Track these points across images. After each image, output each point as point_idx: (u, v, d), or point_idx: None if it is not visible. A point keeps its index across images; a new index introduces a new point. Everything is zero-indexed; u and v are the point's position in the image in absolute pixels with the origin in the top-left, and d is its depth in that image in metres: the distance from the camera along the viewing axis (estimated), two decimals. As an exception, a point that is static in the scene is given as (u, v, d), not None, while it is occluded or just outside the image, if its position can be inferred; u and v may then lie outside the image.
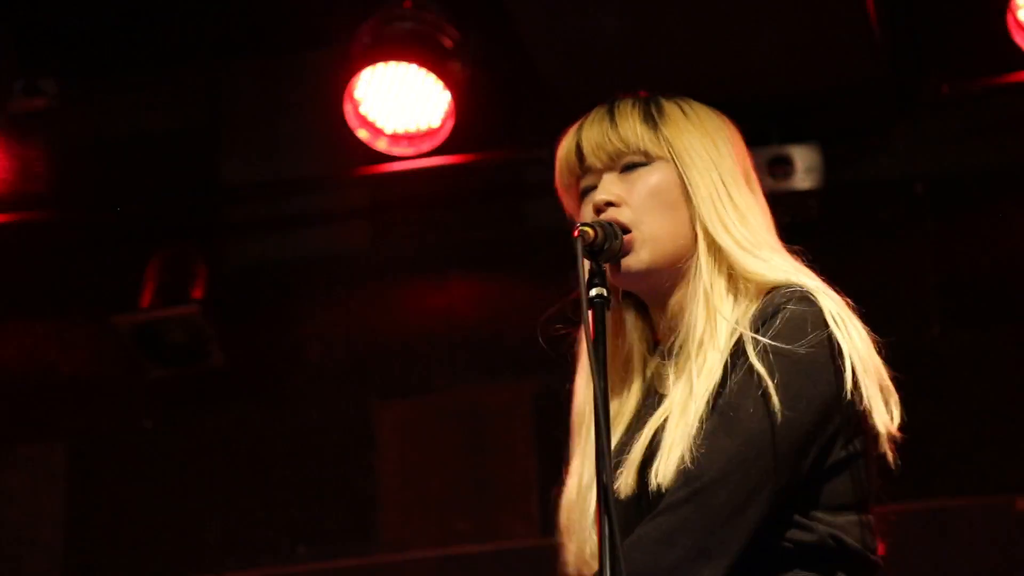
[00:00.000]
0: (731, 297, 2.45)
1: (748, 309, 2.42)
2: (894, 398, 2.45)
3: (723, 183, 2.52)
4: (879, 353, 2.45)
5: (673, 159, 2.52)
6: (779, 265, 2.47)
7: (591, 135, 2.55)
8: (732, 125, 2.62)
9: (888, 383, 2.44)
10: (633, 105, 2.57)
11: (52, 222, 5.55)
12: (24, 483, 5.46)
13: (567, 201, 2.62)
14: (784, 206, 4.99)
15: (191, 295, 5.31)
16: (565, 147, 2.58)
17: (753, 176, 2.59)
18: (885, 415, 2.41)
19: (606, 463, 2.14)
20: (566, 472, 2.56)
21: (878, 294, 4.90)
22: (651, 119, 2.55)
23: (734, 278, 2.46)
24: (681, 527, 2.30)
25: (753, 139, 4.94)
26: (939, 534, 4.83)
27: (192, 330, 5.33)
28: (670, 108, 2.57)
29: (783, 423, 2.33)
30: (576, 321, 2.55)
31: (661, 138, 2.53)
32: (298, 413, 5.38)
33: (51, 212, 5.54)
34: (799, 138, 5.08)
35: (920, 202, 5.18)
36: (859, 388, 2.38)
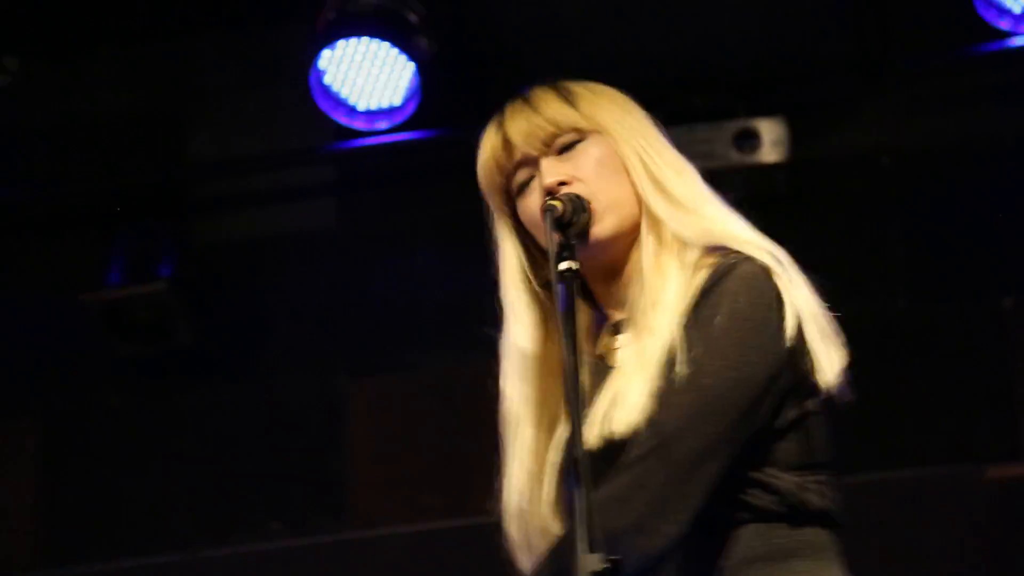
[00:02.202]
0: (677, 258, 2.47)
1: (696, 269, 2.46)
2: (838, 349, 2.46)
3: (650, 147, 2.56)
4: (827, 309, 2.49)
5: (602, 132, 2.55)
6: (719, 218, 2.51)
7: (517, 126, 2.56)
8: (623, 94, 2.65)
9: (833, 335, 2.46)
10: (546, 90, 2.59)
11: (17, 200, 5.54)
12: (-7, 463, 5.47)
13: (496, 202, 2.62)
14: (750, 180, 5.08)
15: (158, 273, 5.31)
16: (490, 145, 2.59)
17: (665, 138, 2.62)
18: (828, 365, 2.43)
19: (579, 437, 2.15)
20: (502, 478, 2.60)
21: (845, 267, 4.98)
22: (568, 100, 2.57)
23: (678, 238, 2.49)
24: (639, 483, 2.32)
25: (719, 113, 5.08)
26: (908, 504, 4.86)
27: (160, 308, 5.33)
28: (579, 88, 2.59)
29: (737, 377, 2.36)
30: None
31: (583, 113, 2.56)
32: (268, 390, 5.39)
33: (16, 190, 5.53)
34: (765, 111, 5.09)
35: (887, 175, 5.21)
36: (805, 342, 2.41)
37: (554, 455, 2.54)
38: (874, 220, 5.18)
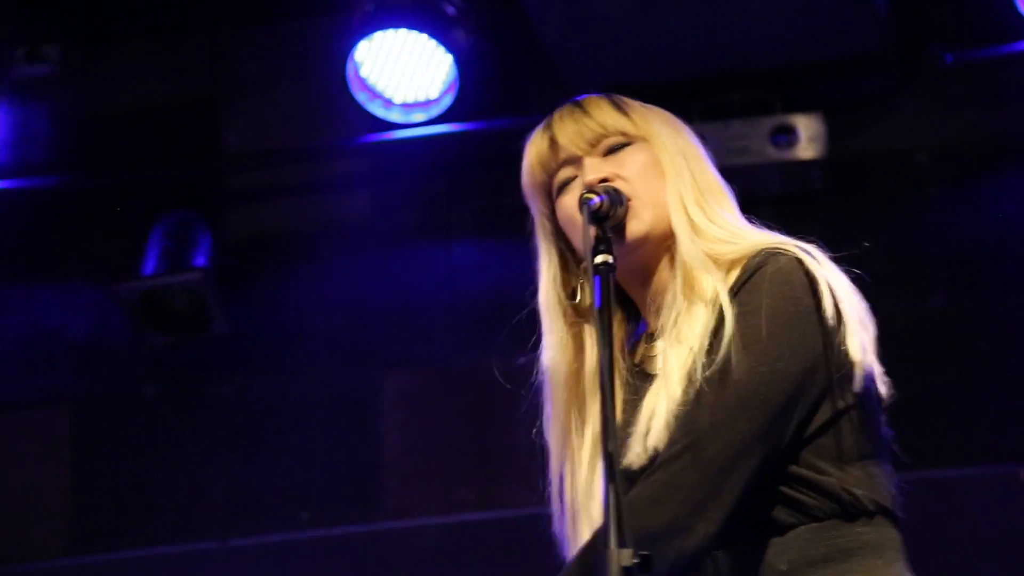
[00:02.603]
0: (707, 268, 2.46)
1: (726, 277, 2.45)
2: (872, 338, 2.45)
3: (693, 162, 2.57)
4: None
5: (649, 140, 2.56)
6: (749, 235, 2.51)
7: (566, 127, 2.57)
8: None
9: (868, 323, 2.44)
10: (599, 98, 2.60)
11: (55, 189, 5.55)
12: (29, 450, 5.48)
13: (537, 203, 2.63)
14: (787, 176, 5.07)
15: (194, 263, 5.32)
16: (537, 146, 2.60)
17: (708, 157, 2.63)
18: (864, 352, 2.41)
19: (613, 434, 2.15)
20: (566, 456, 2.60)
21: (881, 264, 4.93)
22: (618, 107, 2.59)
23: (711, 250, 2.48)
24: (674, 483, 2.31)
25: (756, 109, 5.06)
26: (942, 504, 4.84)
27: (195, 297, 5.34)
28: (631, 100, 2.62)
29: (770, 371, 2.35)
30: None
31: (635, 122, 2.57)
32: (301, 381, 5.39)
33: (54, 179, 5.54)
34: (802, 107, 5.08)
35: (923, 172, 5.19)
36: (843, 329, 2.39)
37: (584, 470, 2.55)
38: (910, 217, 5.16)
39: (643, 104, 2.62)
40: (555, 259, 2.60)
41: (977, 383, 4.97)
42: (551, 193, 2.59)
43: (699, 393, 2.35)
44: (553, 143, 2.57)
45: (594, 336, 2.42)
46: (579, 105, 2.59)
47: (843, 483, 2.38)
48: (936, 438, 4.87)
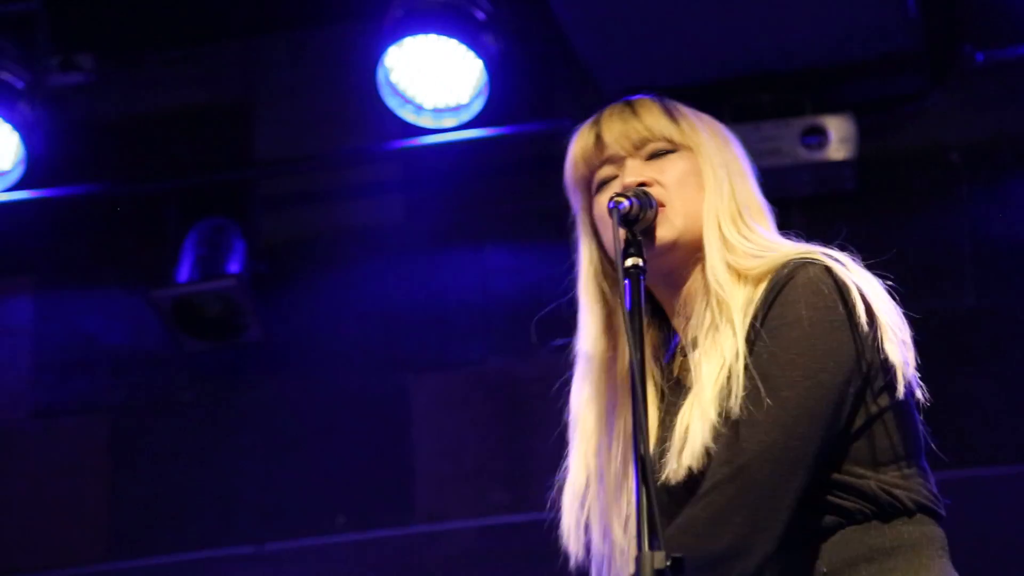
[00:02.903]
0: (734, 283, 2.45)
1: (756, 284, 2.44)
2: (908, 339, 2.43)
3: (735, 178, 2.55)
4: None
5: (693, 150, 2.55)
6: (779, 248, 2.49)
7: (613, 125, 2.57)
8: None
9: (902, 325, 2.43)
10: (651, 100, 2.60)
11: (90, 197, 5.57)
12: (68, 455, 5.50)
13: (577, 198, 2.62)
14: (818, 177, 5.05)
15: (227, 269, 5.33)
16: (583, 141, 2.59)
17: (753, 177, 2.61)
18: (900, 355, 2.40)
19: (644, 436, 2.14)
20: (596, 441, 2.59)
21: (913, 263, 4.94)
22: (671, 113, 2.58)
23: (736, 266, 2.47)
24: (732, 505, 2.31)
25: (787, 110, 5.04)
26: (977, 503, 4.82)
27: (229, 303, 5.35)
28: (683, 107, 2.61)
29: (812, 385, 2.34)
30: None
31: (682, 130, 2.56)
32: (335, 385, 5.40)
33: (88, 187, 5.56)
34: (833, 108, 5.07)
35: (955, 170, 5.17)
36: (877, 333, 2.38)
37: (618, 462, 2.52)
38: (942, 216, 5.14)
39: (695, 112, 2.61)
40: (595, 251, 2.60)
41: (1010, 382, 4.95)
42: (591, 188, 2.59)
43: (744, 412, 2.33)
44: (599, 140, 2.57)
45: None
46: (630, 105, 2.58)
47: (881, 484, 2.37)
48: (970, 437, 4.85)
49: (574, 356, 2.62)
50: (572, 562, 2.55)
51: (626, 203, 2.40)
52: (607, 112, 2.59)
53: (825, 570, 2.36)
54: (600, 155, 2.56)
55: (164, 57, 5.61)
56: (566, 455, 2.59)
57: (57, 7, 5.42)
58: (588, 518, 2.56)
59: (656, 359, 2.58)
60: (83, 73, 5.51)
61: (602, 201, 2.53)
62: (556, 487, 2.61)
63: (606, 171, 2.56)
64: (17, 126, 5.27)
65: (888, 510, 2.37)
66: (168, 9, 5.54)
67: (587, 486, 2.55)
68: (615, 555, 2.54)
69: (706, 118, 2.62)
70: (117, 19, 5.54)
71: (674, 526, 2.30)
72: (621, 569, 2.53)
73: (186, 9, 5.54)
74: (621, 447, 2.54)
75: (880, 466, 2.39)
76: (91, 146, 5.58)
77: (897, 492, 2.37)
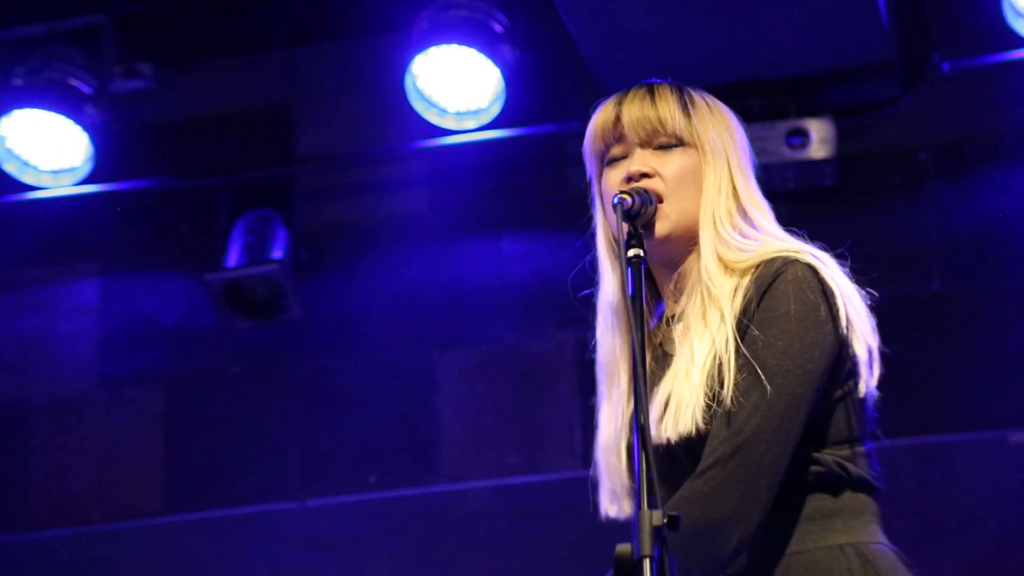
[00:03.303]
0: (725, 274, 2.44)
1: (741, 282, 2.42)
2: (873, 335, 2.44)
3: (731, 176, 2.51)
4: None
5: (698, 148, 2.51)
6: (768, 243, 2.46)
7: (632, 110, 2.51)
8: (739, 120, 2.60)
9: (869, 323, 2.43)
10: (671, 91, 2.54)
11: (149, 191, 5.57)
12: (128, 422, 5.51)
13: (592, 165, 2.58)
14: (801, 174, 5.04)
15: (272, 255, 5.33)
16: (604, 116, 2.54)
17: (751, 168, 2.57)
18: (866, 350, 2.41)
19: (644, 406, 2.14)
20: (599, 418, 2.55)
21: (886, 251, 4.94)
22: (686, 108, 2.52)
23: (725, 258, 2.45)
24: (731, 480, 2.30)
25: (772, 113, 5.03)
26: (940, 466, 4.82)
27: (273, 286, 5.35)
28: (699, 101, 2.55)
29: (802, 373, 2.34)
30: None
31: (693, 127, 2.51)
32: (367, 360, 5.40)
33: (148, 182, 5.56)
34: (814, 112, 5.06)
35: (923, 169, 5.16)
36: (851, 324, 2.39)
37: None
38: (912, 209, 5.13)
39: (711, 107, 2.55)
40: (609, 212, 2.54)
41: (971, 358, 4.94)
42: (603, 160, 2.55)
43: (743, 395, 2.33)
44: (617, 120, 2.52)
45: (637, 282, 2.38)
46: (652, 93, 2.53)
47: (835, 459, 2.39)
48: (935, 407, 4.85)
49: (596, 302, 2.56)
50: (601, 507, 2.50)
51: (629, 200, 2.38)
52: (631, 94, 2.54)
53: (778, 526, 2.36)
54: (615, 133, 2.52)
55: (215, 65, 5.61)
56: (597, 403, 2.54)
57: (121, 21, 5.43)
58: (612, 454, 2.51)
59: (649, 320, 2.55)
60: (144, 80, 5.52)
61: (610, 177, 2.51)
62: (597, 427, 2.54)
63: (618, 149, 2.52)
64: (85, 127, 5.29)
65: (836, 481, 2.38)
66: (219, 23, 5.54)
67: (620, 427, 2.49)
68: (618, 483, 2.51)
69: (719, 110, 2.56)
70: (174, 32, 5.54)
71: (679, 497, 2.30)
72: (622, 495, 2.51)
73: (235, 23, 5.54)
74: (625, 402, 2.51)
75: (835, 444, 2.40)
76: (150, 145, 5.58)
77: (847, 466, 2.39)
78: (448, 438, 5.28)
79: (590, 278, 2.59)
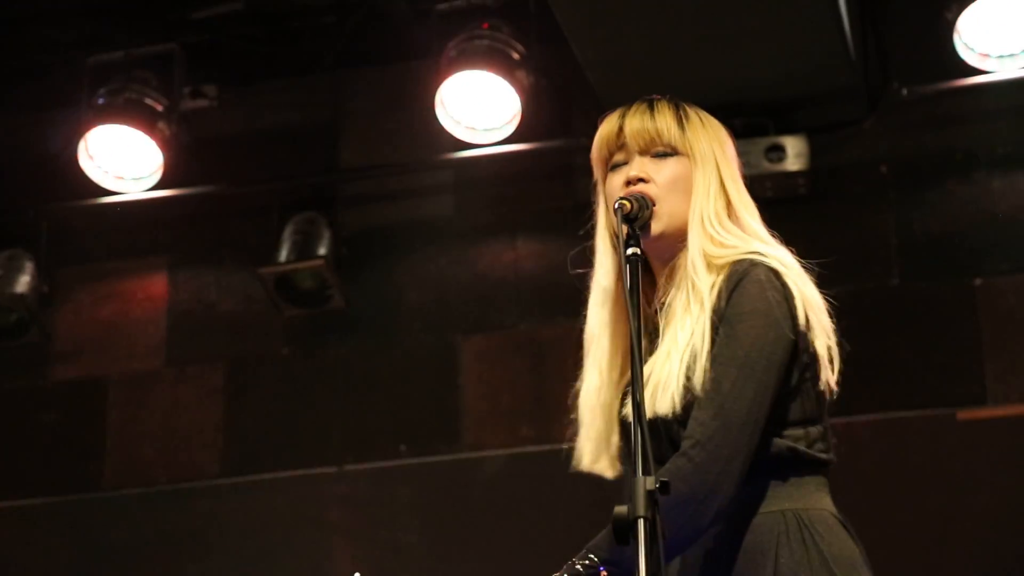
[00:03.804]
0: (709, 271, 2.43)
1: (716, 278, 2.41)
2: (831, 331, 2.44)
3: (722, 183, 2.50)
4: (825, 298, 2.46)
5: (690, 157, 2.50)
6: (749, 244, 2.46)
7: (634, 122, 2.51)
8: (728, 132, 2.59)
9: (827, 319, 2.43)
10: (668, 106, 2.54)
11: (212, 195, 5.58)
12: (192, 396, 5.51)
13: (598, 170, 2.57)
14: (778, 184, 5.04)
15: (318, 252, 5.33)
16: (608, 127, 2.54)
17: (739, 175, 2.56)
18: (825, 340, 2.41)
19: (640, 386, 2.13)
20: (580, 378, 2.55)
21: (851, 252, 4.94)
22: (681, 121, 2.52)
23: (709, 255, 2.44)
24: (710, 459, 2.29)
25: (754, 131, 5.03)
26: (896, 439, 4.81)
27: (319, 279, 5.36)
28: (693, 115, 2.54)
29: (770, 365, 2.34)
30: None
31: (686, 138, 2.50)
32: (400, 344, 5.40)
33: (211, 187, 5.57)
34: (790, 130, 5.06)
35: (884, 180, 5.16)
36: (809, 323, 2.38)
37: (619, 378, 2.50)
38: (874, 215, 5.12)
39: (703, 120, 2.54)
40: (610, 212, 2.52)
41: (925, 345, 4.93)
42: (607, 165, 2.54)
43: (714, 383, 2.32)
44: (620, 131, 2.51)
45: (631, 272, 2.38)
46: (651, 107, 2.53)
47: (791, 438, 2.38)
48: (892, 387, 4.83)
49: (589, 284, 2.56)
50: (582, 460, 2.50)
51: (628, 205, 2.38)
52: (633, 108, 2.53)
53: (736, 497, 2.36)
54: (618, 142, 2.51)
55: (270, 87, 5.62)
56: (582, 364, 2.54)
57: (190, 49, 5.44)
58: (593, 410, 2.51)
59: (647, 305, 2.54)
60: (208, 100, 5.53)
61: (612, 181, 2.51)
62: (573, 391, 2.56)
63: (620, 156, 2.51)
64: (158, 140, 5.30)
65: (787, 459, 2.38)
66: (274, 51, 5.54)
67: (599, 387, 2.51)
68: (594, 437, 2.51)
69: (711, 124, 2.55)
70: (235, 59, 5.55)
71: (665, 471, 2.29)
72: (596, 450, 2.50)
73: (288, 51, 5.55)
74: (620, 361, 2.51)
75: (792, 426, 2.39)
76: (213, 156, 5.58)
77: (797, 447, 2.38)
78: (469, 412, 5.28)
79: (587, 260, 2.59)
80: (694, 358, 2.35)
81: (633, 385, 2.12)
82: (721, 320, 2.37)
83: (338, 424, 5.37)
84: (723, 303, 2.37)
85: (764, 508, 2.36)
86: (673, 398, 2.35)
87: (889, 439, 4.77)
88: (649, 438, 2.22)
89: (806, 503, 2.37)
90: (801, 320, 2.37)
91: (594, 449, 2.51)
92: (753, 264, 2.39)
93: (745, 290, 2.37)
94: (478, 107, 5.14)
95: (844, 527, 2.39)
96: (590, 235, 2.58)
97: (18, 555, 5.47)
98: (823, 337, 2.40)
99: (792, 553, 2.31)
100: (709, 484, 2.28)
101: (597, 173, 2.58)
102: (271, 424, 5.42)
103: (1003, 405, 4.86)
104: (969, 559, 4.75)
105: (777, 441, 2.37)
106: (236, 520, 5.34)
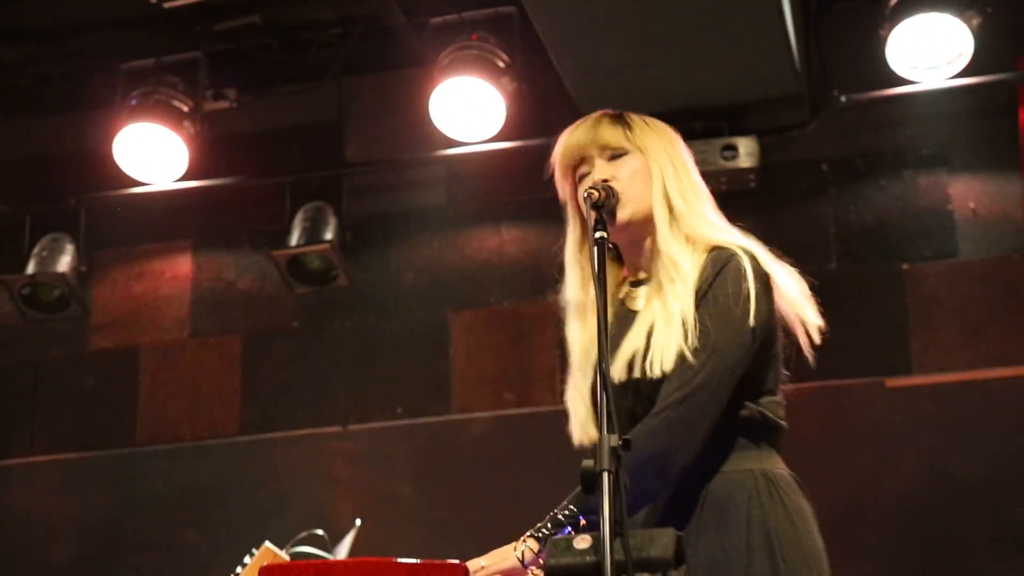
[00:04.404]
0: (685, 247, 2.42)
1: (699, 258, 2.41)
2: (813, 308, 2.45)
3: (674, 168, 2.49)
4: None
5: (641, 152, 2.49)
6: (715, 223, 2.46)
7: (582, 135, 2.50)
8: (675, 131, 2.57)
9: (809, 298, 2.44)
10: (611, 116, 2.53)
11: (232, 186, 5.56)
12: (212, 364, 5.50)
13: (563, 185, 2.54)
14: (732, 179, 5.04)
15: (325, 237, 5.32)
16: (563, 143, 2.52)
17: (693, 165, 2.55)
18: (812, 319, 2.42)
19: (605, 356, 2.13)
20: (569, 368, 2.55)
21: (795, 240, 4.89)
22: (625, 123, 2.51)
23: (684, 233, 2.44)
24: (678, 420, 2.30)
25: (710, 132, 5.03)
26: (831, 405, 4.82)
27: (325, 261, 5.35)
28: (637, 118, 2.53)
29: (741, 343, 2.34)
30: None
31: (634, 137, 2.50)
32: (397, 318, 5.39)
33: (231, 179, 5.55)
34: (743, 132, 5.05)
35: (825, 177, 5.16)
36: (781, 309, 2.39)
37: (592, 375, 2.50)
38: (815, 208, 5.13)
39: (647, 122, 2.53)
40: (578, 228, 2.51)
41: (858, 322, 4.94)
42: (574, 180, 2.52)
43: (695, 353, 2.32)
44: (576, 145, 2.50)
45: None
46: (597, 120, 2.51)
47: (755, 405, 2.39)
48: (829, 358, 4.81)
49: (563, 302, 2.56)
50: (574, 439, 2.50)
51: (596, 194, 2.37)
52: (581, 123, 2.52)
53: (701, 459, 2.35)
54: (575, 155, 2.50)
55: (283, 91, 5.59)
56: (568, 367, 2.53)
57: (212, 57, 5.42)
58: (575, 400, 2.51)
59: (617, 289, 2.53)
60: (228, 101, 5.50)
61: (581, 189, 2.48)
62: (565, 387, 2.54)
63: (583, 168, 2.50)
64: (183, 138, 5.28)
65: (756, 424, 2.38)
66: (287, 59, 5.52)
67: (577, 382, 2.50)
68: (578, 423, 2.51)
69: (656, 124, 2.53)
70: (252, 65, 5.53)
71: (638, 429, 2.29)
72: (581, 431, 2.49)
73: (299, 59, 5.52)
74: (579, 359, 2.51)
75: (762, 394, 2.40)
76: (233, 152, 5.57)
77: (765, 412, 2.39)
78: (458, 378, 5.28)
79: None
80: (684, 328, 2.34)
81: (600, 354, 2.11)
82: (702, 299, 2.36)
83: (342, 389, 5.36)
84: (708, 284, 2.36)
85: (736, 466, 2.36)
86: (663, 363, 2.34)
87: (826, 404, 4.78)
88: (633, 399, 2.23)
89: (770, 464, 2.38)
90: (776, 306, 2.37)
91: (579, 431, 2.49)
92: (736, 251, 2.39)
93: (728, 275, 2.36)
94: (467, 109, 5.12)
95: (800, 487, 2.41)
96: (560, 249, 2.54)
97: (59, 503, 5.46)
98: (796, 320, 2.41)
99: (762, 505, 2.33)
100: (675, 442, 2.28)
101: (565, 192, 2.54)
102: (283, 388, 5.42)
103: (926, 374, 4.88)
104: (896, 508, 4.77)
105: (751, 406, 2.38)
106: (252, 473, 5.33)
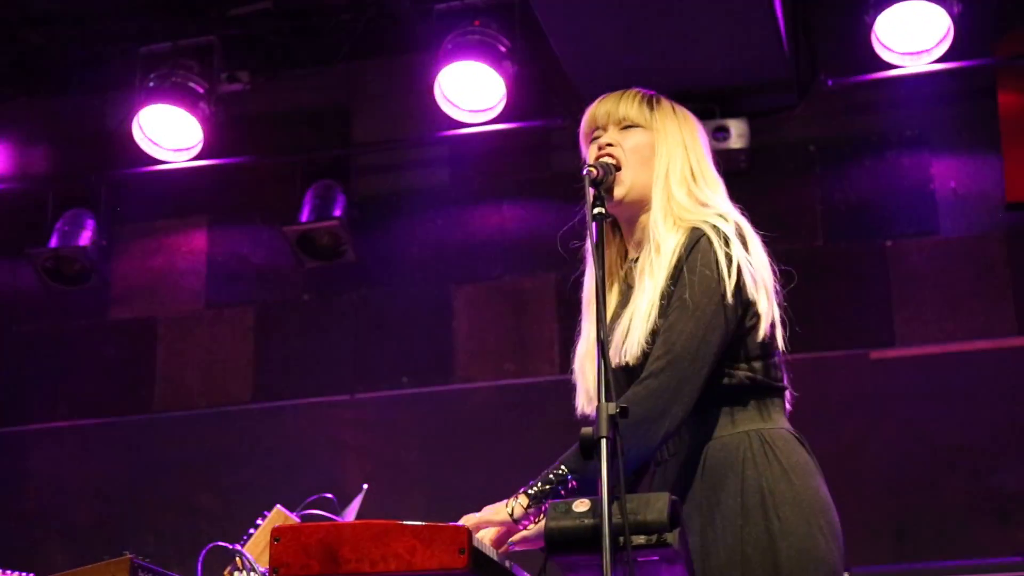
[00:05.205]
0: (673, 229, 2.43)
1: (681, 238, 2.41)
2: (771, 284, 2.43)
3: (685, 153, 2.49)
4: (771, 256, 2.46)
5: (654, 131, 2.50)
6: (710, 205, 2.45)
7: (607, 105, 2.54)
8: (702, 125, 2.59)
9: (769, 276, 2.42)
10: (640, 93, 2.56)
11: (246, 165, 5.55)
12: (226, 334, 5.50)
13: (585, 145, 2.58)
14: (724, 160, 4.99)
15: (334, 214, 5.30)
16: (590, 110, 2.56)
17: (708, 155, 2.55)
18: (765, 301, 2.40)
19: (604, 326, 2.13)
20: (578, 336, 2.54)
21: (784, 217, 4.92)
22: (650, 103, 2.54)
23: (676, 215, 2.44)
24: (662, 386, 2.30)
25: (703, 115, 4.94)
26: (818, 376, 4.82)
27: (334, 237, 5.34)
28: (665, 102, 2.57)
29: (718, 310, 2.34)
30: (581, 237, 2.53)
31: (652, 116, 2.52)
32: (403, 292, 5.38)
33: (245, 158, 5.53)
34: (734, 114, 5.04)
35: (812, 157, 5.14)
36: (755, 282, 2.37)
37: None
38: (803, 187, 5.12)
39: (674, 107, 2.56)
40: None
41: (843, 296, 4.94)
42: (589, 140, 2.56)
43: (673, 323, 2.32)
44: (596, 113, 2.54)
45: (610, 251, 2.36)
46: (625, 94, 2.55)
47: (748, 368, 2.39)
48: (816, 331, 4.84)
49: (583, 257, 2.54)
50: (579, 409, 2.49)
51: (594, 171, 2.38)
52: (611, 95, 2.56)
53: (707, 420, 2.36)
54: (596, 121, 2.54)
55: (294, 74, 5.58)
56: (579, 323, 2.52)
57: (226, 41, 5.41)
58: (583, 363, 2.50)
59: (619, 265, 2.53)
60: (242, 84, 5.48)
61: (590, 150, 2.52)
62: (574, 350, 2.54)
63: (598, 133, 2.53)
64: (198, 118, 5.26)
65: (746, 387, 2.38)
66: (297, 43, 5.51)
67: (588, 342, 2.49)
68: (585, 388, 2.50)
69: (681, 111, 2.56)
70: (264, 49, 5.51)
71: (624, 398, 2.29)
72: (587, 398, 2.49)
73: (309, 43, 5.51)
74: (587, 330, 2.51)
75: (752, 359, 2.39)
76: (246, 132, 5.55)
77: (755, 376, 2.39)
78: (461, 349, 5.27)
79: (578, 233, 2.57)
80: (660, 306, 2.35)
81: (597, 325, 2.11)
82: (679, 274, 2.36)
83: (350, 359, 5.36)
84: (683, 261, 2.37)
85: (731, 430, 2.36)
86: (642, 342, 2.35)
87: (813, 375, 4.78)
88: (622, 379, 2.23)
89: (766, 424, 2.38)
90: (746, 276, 2.36)
91: (585, 401, 2.50)
92: (708, 230, 2.39)
93: (699, 250, 2.37)
94: (470, 92, 5.11)
95: (800, 442, 2.40)
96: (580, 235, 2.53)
97: (80, 466, 5.47)
98: (763, 290, 2.39)
99: (756, 466, 2.33)
100: (660, 407, 2.28)
101: (584, 151, 2.58)
102: (294, 358, 5.41)
103: (909, 346, 4.87)
104: (880, 474, 4.78)
105: (736, 373, 2.38)
106: (264, 439, 5.33)
